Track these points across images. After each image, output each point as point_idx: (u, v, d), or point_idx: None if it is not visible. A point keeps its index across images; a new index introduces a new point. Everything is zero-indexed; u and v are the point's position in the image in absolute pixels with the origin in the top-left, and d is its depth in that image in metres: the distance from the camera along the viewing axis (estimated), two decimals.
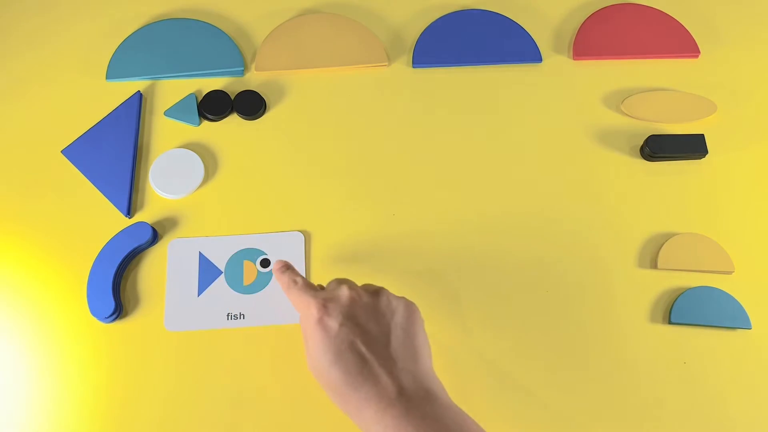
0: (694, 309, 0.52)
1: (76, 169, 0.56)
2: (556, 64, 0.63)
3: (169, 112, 0.59)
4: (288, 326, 0.51)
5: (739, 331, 0.52)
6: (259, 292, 0.52)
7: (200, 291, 0.52)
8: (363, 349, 0.41)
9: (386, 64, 0.62)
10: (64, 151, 0.57)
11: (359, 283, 0.46)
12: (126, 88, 0.60)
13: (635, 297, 0.53)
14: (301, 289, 0.45)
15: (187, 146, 0.58)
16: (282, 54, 0.62)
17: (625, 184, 0.57)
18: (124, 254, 0.52)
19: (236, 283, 0.53)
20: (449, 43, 0.63)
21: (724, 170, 0.58)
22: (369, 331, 0.42)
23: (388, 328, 0.42)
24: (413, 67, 0.62)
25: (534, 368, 0.50)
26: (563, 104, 0.61)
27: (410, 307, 0.45)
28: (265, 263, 0.53)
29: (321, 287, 0.47)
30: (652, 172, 0.58)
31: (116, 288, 0.51)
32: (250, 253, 0.54)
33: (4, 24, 0.63)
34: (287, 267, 0.48)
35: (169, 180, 0.56)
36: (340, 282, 0.45)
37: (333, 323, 0.41)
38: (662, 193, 0.57)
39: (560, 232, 0.55)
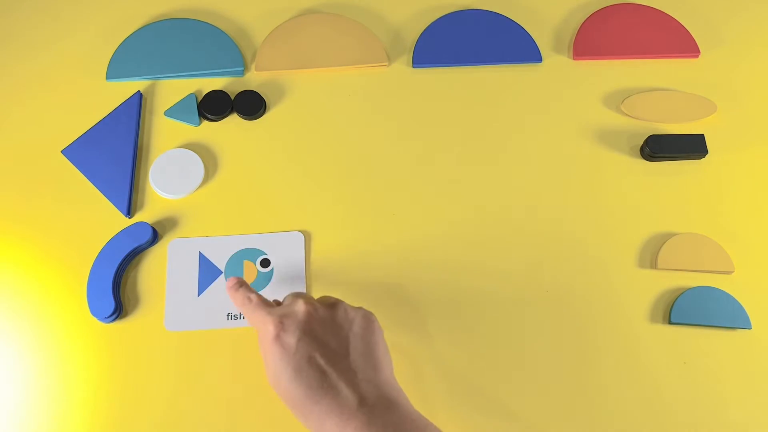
0: (694, 309, 0.52)
1: (76, 169, 0.56)
2: (556, 64, 0.63)
3: (169, 112, 0.59)
4: None
5: (739, 331, 0.52)
6: (259, 292, 0.52)
7: (200, 291, 0.52)
8: (322, 362, 0.40)
9: (386, 64, 0.62)
10: (64, 151, 0.57)
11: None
12: (126, 88, 0.60)
13: (635, 297, 0.53)
14: (256, 306, 0.44)
15: (187, 146, 0.58)
16: (282, 54, 0.62)
17: (625, 184, 0.57)
18: (124, 254, 0.52)
19: None
20: (449, 43, 0.63)
21: (724, 170, 0.58)
22: (327, 344, 0.42)
23: (347, 340, 0.42)
24: (413, 67, 0.62)
25: (533, 370, 0.50)
26: (563, 104, 0.61)
27: (368, 317, 0.44)
28: (265, 263, 0.53)
29: (277, 303, 0.47)
30: (652, 172, 0.58)
31: (116, 288, 0.51)
32: (250, 253, 0.54)
33: (4, 24, 0.63)
34: (240, 284, 0.47)
35: (169, 180, 0.56)
36: (296, 296, 0.45)
37: (290, 339, 0.41)
38: (662, 193, 0.57)
39: (560, 232, 0.55)
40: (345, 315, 0.44)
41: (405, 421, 0.39)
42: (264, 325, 0.43)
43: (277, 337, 0.41)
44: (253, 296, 0.46)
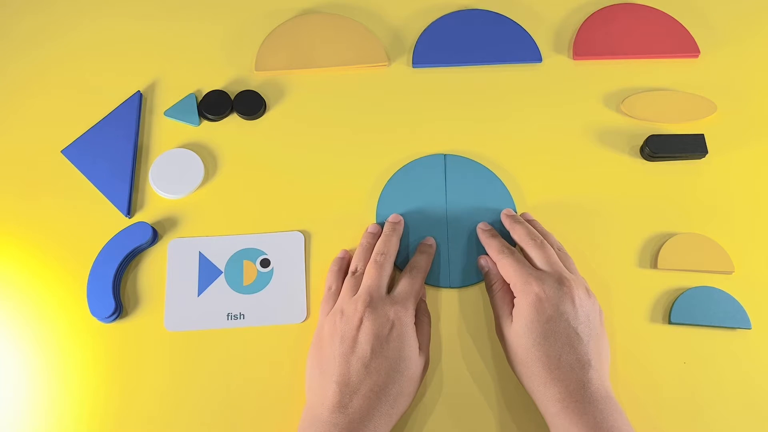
0: (694, 309, 0.52)
1: (76, 169, 0.56)
2: (556, 64, 0.63)
3: (169, 112, 0.59)
4: (288, 326, 0.51)
5: (739, 331, 0.52)
6: (259, 292, 0.52)
7: (200, 291, 0.52)
8: (569, 341, 0.44)
9: (386, 64, 0.62)
10: (64, 151, 0.57)
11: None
12: (128, 88, 0.60)
13: (635, 297, 0.53)
14: (518, 260, 0.48)
15: (187, 146, 0.58)
16: (282, 54, 0.62)
17: (625, 184, 0.57)
18: (124, 254, 0.52)
19: (236, 283, 0.53)
20: (449, 43, 0.63)
21: (724, 170, 0.58)
22: (576, 329, 0.45)
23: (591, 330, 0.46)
24: (413, 67, 0.62)
25: None
26: (563, 104, 0.61)
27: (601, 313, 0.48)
28: (265, 263, 0.53)
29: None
30: (652, 172, 0.58)
31: (116, 288, 0.51)
32: (250, 253, 0.54)
33: (4, 24, 0.63)
34: (494, 234, 0.52)
35: (169, 180, 0.56)
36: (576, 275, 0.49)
37: (550, 308, 0.45)
38: (662, 193, 0.57)
39: (560, 232, 0.55)
40: (593, 305, 0.47)
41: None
42: (527, 283, 0.46)
43: (539, 300, 0.45)
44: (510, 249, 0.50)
